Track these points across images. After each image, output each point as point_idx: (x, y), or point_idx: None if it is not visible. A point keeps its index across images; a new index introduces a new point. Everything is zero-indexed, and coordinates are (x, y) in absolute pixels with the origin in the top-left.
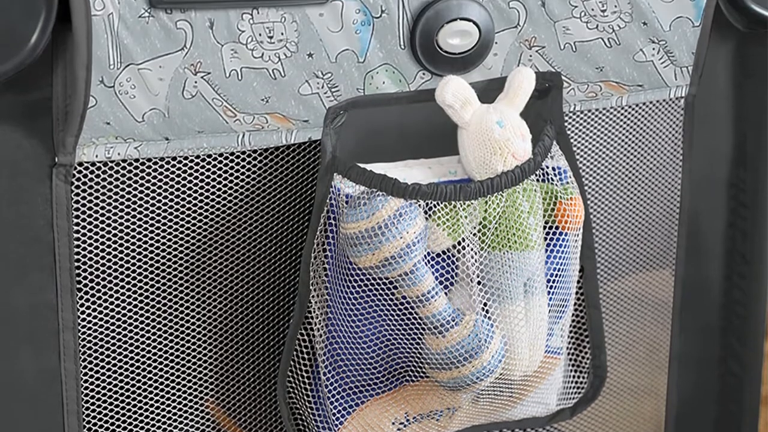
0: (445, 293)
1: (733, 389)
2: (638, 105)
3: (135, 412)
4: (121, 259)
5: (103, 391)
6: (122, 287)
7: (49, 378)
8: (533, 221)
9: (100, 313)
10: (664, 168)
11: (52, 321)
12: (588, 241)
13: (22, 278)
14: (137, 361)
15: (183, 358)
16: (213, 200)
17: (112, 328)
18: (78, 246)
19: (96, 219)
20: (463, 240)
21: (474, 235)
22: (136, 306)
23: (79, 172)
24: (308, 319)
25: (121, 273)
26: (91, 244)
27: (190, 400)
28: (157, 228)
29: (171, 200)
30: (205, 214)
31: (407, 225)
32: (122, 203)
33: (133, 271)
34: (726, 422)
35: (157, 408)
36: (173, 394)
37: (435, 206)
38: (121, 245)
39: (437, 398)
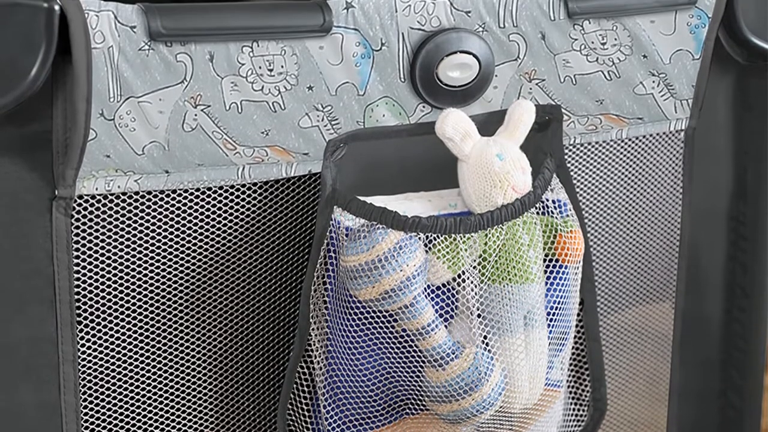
0: (445, 326)
1: (733, 422)
2: (638, 138)
3: None
4: (122, 291)
5: (103, 425)
6: (122, 320)
7: (49, 411)
8: (533, 254)
9: (100, 346)
10: (664, 201)
11: (52, 354)
12: (588, 274)
13: (22, 311)
14: (137, 394)
15: (183, 391)
16: (213, 233)
17: (112, 361)
18: (78, 279)
19: (96, 252)
20: (463, 273)
21: (474, 267)
22: (136, 339)
23: (79, 204)
24: (308, 352)
25: (122, 306)
26: (91, 277)
27: None
28: (158, 261)
29: (171, 233)
30: (205, 246)
31: (407, 258)
32: (122, 236)
33: (134, 304)
34: None
35: None
36: (173, 427)
37: (435, 239)
38: (121, 278)
39: (437, 431)
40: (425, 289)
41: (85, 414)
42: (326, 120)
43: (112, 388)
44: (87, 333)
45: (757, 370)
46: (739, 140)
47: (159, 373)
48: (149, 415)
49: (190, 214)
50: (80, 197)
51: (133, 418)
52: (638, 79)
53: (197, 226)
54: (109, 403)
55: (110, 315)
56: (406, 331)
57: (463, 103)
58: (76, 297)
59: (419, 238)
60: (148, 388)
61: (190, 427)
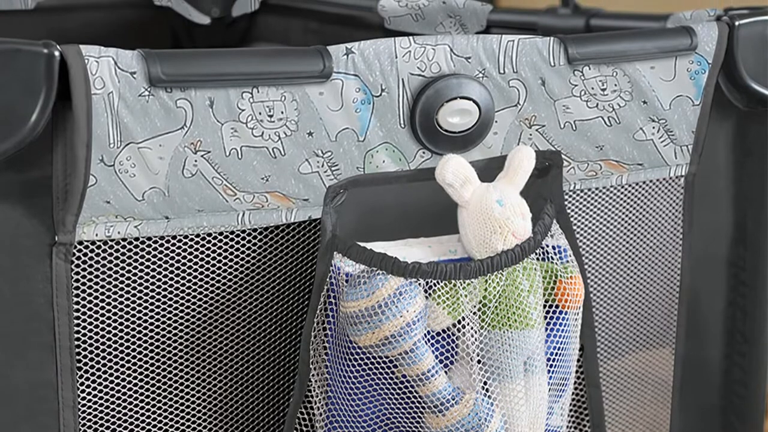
0: (445, 372)
1: None
2: (638, 184)
3: None
4: (122, 337)
5: None
6: (122, 366)
7: None
8: (533, 300)
9: (100, 391)
10: (664, 246)
11: (51, 400)
12: (588, 320)
13: (22, 356)
14: None
15: None
16: (213, 279)
17: (112, 406)
18: (78, 324)
19: (96, 297)
20: (463, 319)
21: (474, 313)
22: (136, 385)
23: (79, 250)
24: (308, 398)
25: (122, 352)
26: (91, 323)
27: None
28: (158, 307)
29: (171, 279)
30: (205, 292)
31: (407, 304)
32: (122, 282)
33: (134, 350)
34: None
35: None
36: None
37: (435, 285)
38: (121, 324)
39: None
40: (425, 335)
41: None
42: (326, 166)
43: None
44: (87, 379)
45: (758, 416)
46: (739, 186)
47: (159, 419)
48: None
49: (190, 260)
50: (80, 243)
51: None
52: (638, 124)
53: (197, 272)
54: None
55: (110, 361)
56: (406, 377)
57: (463, 149)
58: (76, 343)
59: (419, 284)
60: None
61: None
